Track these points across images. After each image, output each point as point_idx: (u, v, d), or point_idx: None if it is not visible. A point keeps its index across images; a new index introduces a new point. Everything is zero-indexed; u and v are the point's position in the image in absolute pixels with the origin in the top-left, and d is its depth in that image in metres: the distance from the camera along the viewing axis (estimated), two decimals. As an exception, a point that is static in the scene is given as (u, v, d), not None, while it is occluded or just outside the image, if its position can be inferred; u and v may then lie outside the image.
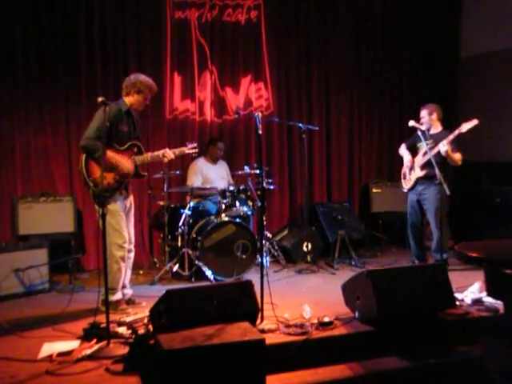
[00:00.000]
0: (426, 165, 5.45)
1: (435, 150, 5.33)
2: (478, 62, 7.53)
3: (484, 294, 4.17)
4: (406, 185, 5.80)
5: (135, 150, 4.39)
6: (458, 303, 4.02)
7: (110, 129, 4.17)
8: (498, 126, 7.03)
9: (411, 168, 5.71)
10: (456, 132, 5.25)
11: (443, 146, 5.26)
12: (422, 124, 5.58)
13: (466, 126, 5.20)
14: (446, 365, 3.53)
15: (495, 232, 6.11)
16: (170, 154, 4.51)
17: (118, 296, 4.32)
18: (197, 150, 4.90)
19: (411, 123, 5.51)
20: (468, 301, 4.17)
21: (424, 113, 5.65)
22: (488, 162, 7.08)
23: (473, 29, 7.62)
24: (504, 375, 2.88)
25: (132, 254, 4.51)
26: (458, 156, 5.40)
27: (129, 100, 4.36)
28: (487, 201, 6.75)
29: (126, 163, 4.28)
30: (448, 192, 5.06)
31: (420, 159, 5.60)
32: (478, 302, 4.15)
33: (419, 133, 5.43)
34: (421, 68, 7.63)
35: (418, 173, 5.60)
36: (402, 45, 7.57)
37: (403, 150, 5.90)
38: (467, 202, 6.77)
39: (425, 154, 5.48)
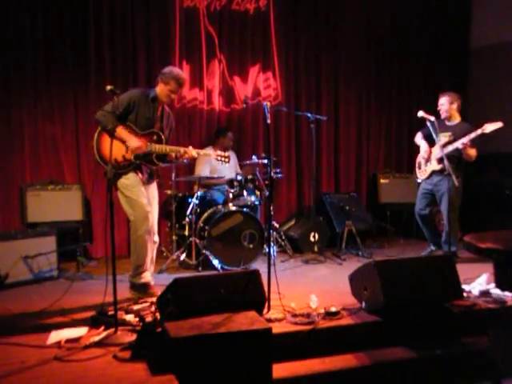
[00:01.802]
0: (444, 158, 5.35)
1: (454, 145, 5.22)
2: (488, 52, 7.47)
3: (492, 285, 4.16)
4: (421, 175, 5.67)
5: (154, 137, 4.30)
6: (465, 294, 4.00)
7: (131, 110, 4.19)
8: (507, 117, 6.97)
9: (427, 159, 5.58)
10: (479, 131, 5.10)
11: (462, 143, 5.14)
12: (439, 111, 5.45)
13: (489, 128, 5.06)
14: (452, 356, 3.52)
15: (504, 224, 6.08)
16: (192, 151, 4.37)
17: (146, 278, 4.27)
18: (227, 160, 4.72)
19: (420, 114, 5.33)
20: (475, 292, 4.16)
21: (444, 100, 5.48)
22: (497, 154, 7.03)
23: (484, 19, 7.56)
24: (511, 367, 2.88)
25: (155, 246, 4.45)
26: (473, 152, 5.30)
27: (157, 89, 4.34)
28: (496, 192, 6.72)
29: (135, 141, 4.18)
30: (456, 183, 5.03)
31: (438, 151, 5.38)
32: (485, 293, 4.13)
33: (428, 124, 5.28)
34: (431, 58, 7.59)
35: (435, 166, 5.47)
36: (412, 35, 7.53)
37: (420, 140, 5.72)
38: (476, 193, 6.74)
39: (444, 146, 5.30)
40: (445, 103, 5.48)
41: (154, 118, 4.36)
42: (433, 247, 5.67)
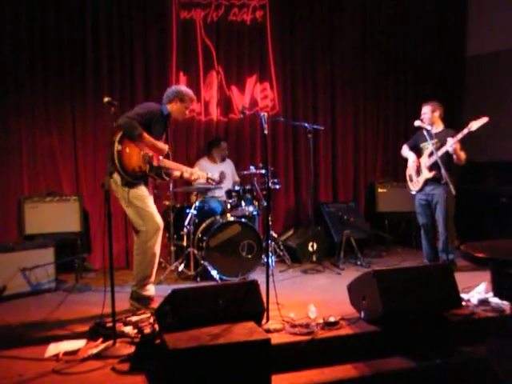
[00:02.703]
0: (434, 165, 5.35)
1: (443, 150, 5.27)
2: (483, 61, 7.51)
3: (490, 294, 4.15)
4: (414, 187, 5.69)
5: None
6: (463, 303, 4.01)
7: (150, 122, 4.27)
8: (504, 125, 7.00)
9: (417, 170, 5.62)
10: (465, 131, 5.16)
11: (452, 145, 5.20)
12: (422, 120, 5.51)
13: (475, 124, 5.10)
14: (451, 365, 3.52)
15: (501, 232, 6.10)
16: (196, 173, 4.66)
17: (151, 291, 4.31)
18: (213, 183, 4.94)
19: (417, 123, 5.43)
20: (474, 301, 4.16)
21: (426, 109, 5.58)
22: (494, 162, 7.06)
23: (479, 28, 7.60)
24: (510, 376, 2.87)
25: None
26: (463, 155, 5.36)
27: (171, 107, 4.48)
28: (493, 201, 6.73)
29: (162, 144, 4.35)
30: (454, 192, 5.04)
31: (427, 160, 5.50)
32: (484, 302, 4.14)
33: (425, 132, 5.31)
34: (426, 67, 7.62)
35: (427, 174, 5.50)
36: (408, 43, 7.56)
37: (406, 152, 5.79)
38: (473, 202, 6.75)
39: (431, 154, 5.41)
40: (427, 112, 5.58)
41: (165, 135, 4.51)
42: (427, 262, 5.66)
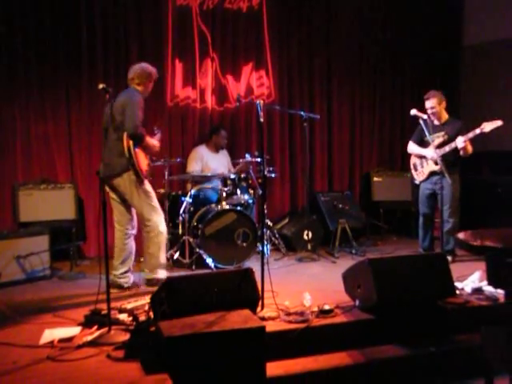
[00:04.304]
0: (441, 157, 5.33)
1: (452, 146, 5.20)
2: (480, 50, 7.49)
3: (484, 283, 4.18)
4: (419, 177, 5.62)
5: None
6: (458, 292, 4.02)
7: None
8: (500, 115, 6.99)
9: (422, 160, 5.55)
10: (477, 131, 5.06)
11: (462, 143, 5.13)
12: (432, 115, 5.38)
13: (488, 127, 5.01)
14: (445, 353, 3.54)
15: (497, 221, 6.10)
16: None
17: (165, 274, 4.50)
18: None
19: (413, 112, 5.25)
20: (468, 290, 4.18)
21: (433, 103, 5.35)
22: (490, 152, 7.05)
23: (476, 17, 7.57)
24: (504, 364, 2.89)
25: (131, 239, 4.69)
26: (471, 148, 5.28)
27: (142, 89, 4.54)
28: (489, 190, 6.74)
29: (155, 142, 4.60)
30: (449, 180, 5.02)
31: (433, 152, 5.31)
32: (478, 290, 4.16)
33: (421, 121, 5.20)
34: (423, 57, 7.60)
35: (433, 166, 5.39)
36: (406, 33, 7.54)
37: (414, 147, 5.64)
38: (469, 191, 6.75)
39: (438, 146, 5.30)
40: (435, 106, 5.37)
41: None
42: (422, 251, 5.64)
